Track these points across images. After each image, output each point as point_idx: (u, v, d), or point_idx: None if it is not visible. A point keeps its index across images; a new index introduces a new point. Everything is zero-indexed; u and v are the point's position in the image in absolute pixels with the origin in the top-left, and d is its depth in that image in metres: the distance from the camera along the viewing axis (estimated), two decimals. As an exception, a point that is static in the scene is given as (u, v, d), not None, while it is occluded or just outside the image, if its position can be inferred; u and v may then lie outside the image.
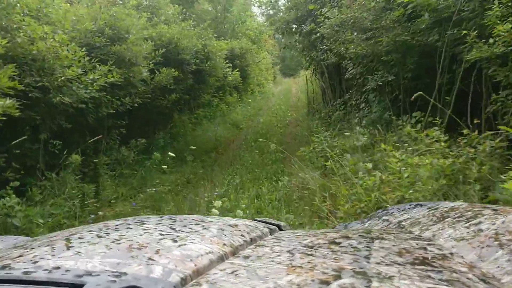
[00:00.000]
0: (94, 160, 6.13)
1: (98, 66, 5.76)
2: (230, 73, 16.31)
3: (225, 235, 1.04)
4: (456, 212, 1.29)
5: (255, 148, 10.63)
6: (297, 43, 11.89)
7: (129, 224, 1.11)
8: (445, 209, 1.38)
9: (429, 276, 0.76)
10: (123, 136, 7.21)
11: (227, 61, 16.48)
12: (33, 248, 0.89)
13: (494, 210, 1.21)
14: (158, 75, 7.75)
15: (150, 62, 7.65)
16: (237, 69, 17.13)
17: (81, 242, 0.93)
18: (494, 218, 1.12)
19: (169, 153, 7.41)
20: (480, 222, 1.12)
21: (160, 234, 0.99)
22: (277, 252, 0.94)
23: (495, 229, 1.04)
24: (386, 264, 0.82)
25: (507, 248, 0.91)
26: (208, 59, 10.48)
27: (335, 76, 10.21)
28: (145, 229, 1.05)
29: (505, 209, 1.19)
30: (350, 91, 9.08)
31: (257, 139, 11.64)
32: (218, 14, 21.07)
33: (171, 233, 1.01)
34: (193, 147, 8.76)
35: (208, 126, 12.73)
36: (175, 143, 10.03)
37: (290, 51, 48.53)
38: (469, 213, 1.24)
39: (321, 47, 8.59)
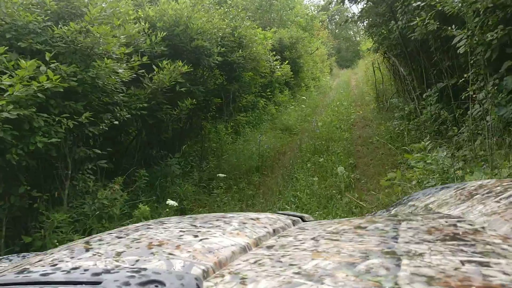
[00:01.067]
0: (41, 223, 3.58)
1: (23, 62, 3.19)
2: (278, 67, 13.46)
3: (247, 228, 1.02)
4: (485, 188, 1.23)
5: (313, 165, 7.70)
6: (364, 16, 8.80)
7: (149, 225, 1.09)
8: (472, 187, 1.32)
9: (462, 250, 0.72)
10: (108, 171, 4.63)
11: (275, 52, 13.66)
12: (52, 253, 0.89)
13: None
14: (159, 72, 5.09)
15: (144, 52, 5.02)
16: (287, 62, 14.24)
17: (100, 244, 0.90)
18: None
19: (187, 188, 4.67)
20: (510, 196, 1.06)
21: (181, 231, 0.97)
22: (301, 240, 0.90)
23: None
24: (416, 243, 0.78)
25: None
26: (241, 46, 7.72)
27: (421, 57, 7.04)
28: (165, 228, 1.02)
29: None
30: (454, 77, 5.89)
31: (315, 150, 8.71)
32: (262, 2, 18.26)
33: (192, 229, 0.99)
34: (222, 175, 6.05)
35: (251, 135, 9.97)
36: (204, 165, 7.34)
37: (345, 42, 44.87)
38: (498, 188, 1.18)
39: (413, 4, 5.48)
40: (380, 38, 8.66)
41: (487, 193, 1.18)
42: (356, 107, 14.57)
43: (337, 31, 44.74)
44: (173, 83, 5.24)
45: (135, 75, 5.00)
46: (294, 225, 1.16)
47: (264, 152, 8.49)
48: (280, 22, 17.98)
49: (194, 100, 5.86)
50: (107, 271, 0.67)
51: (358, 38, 44.36)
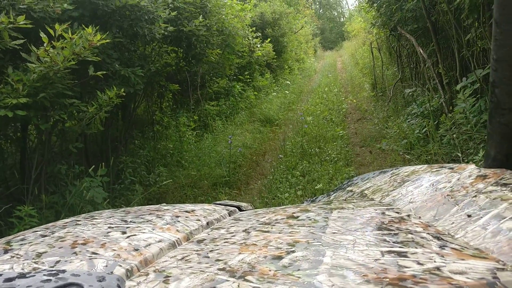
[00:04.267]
0: None
1: None
2: (258, 45, 11.21)
3: (179, 222, 0.99)
4: (416, 175, 1.27)
5: (301, 176, 5.63)
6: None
7: (78, 220, 1.02)
8: (406, 173, 1.34)
9: (385, 240, 0.73)
10: None
11: (254, 29, 11.41)
12: None
13: (450, 168, 1.17)
14: (51, 45, 2.86)
15: (29, 11, 2.79)
16: (269, 40, 12.01)
17: (22, 244, 0.82)
18: (451, 176, 1.09)
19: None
20: (437, 182, 1.09)
21: (110, 227, 0.92)
22: (232, 233, 0.89)
23: (451, 187, 1.01)
24: (342, 233, 0.80)
25: (462, 204, 0.89)
26: (203, 13, 5.44)
27: (454, 34, 4.94)
28: (94, 224, 0.96)
29: (460, 166, 1.15)
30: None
31: (303, 153, 6.62)
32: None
33: (121, 225, 0.94)
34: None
35: (223, 130, 7.79)
36: (151, 178, 5.15)
37: (329, 23, 42.78)
38: (428, 174, 1.21)
39: None
40: (388, 10, 6.53)
41: (417, 179, 1.20)
42: (346, 93, 12.50)
43: (321, 11, 42.34)
44: (73, 63, 3.00)
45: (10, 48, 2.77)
46: (230, 216, 1.13)
47: (237, 157, 6.34)
48: (262, -5, 15.61)
49: (123, 89, 3.63)
50: (23, 276, 0.62)
51: (343, 19, 42.24)
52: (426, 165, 1.34)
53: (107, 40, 3.22)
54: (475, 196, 0.90)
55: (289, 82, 12.95)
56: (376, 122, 7.70)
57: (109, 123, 4.94)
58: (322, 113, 9.78)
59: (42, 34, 2.96)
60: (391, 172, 1.46)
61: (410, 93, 6.39)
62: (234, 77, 9.51)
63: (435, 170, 1.22)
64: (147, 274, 0.67)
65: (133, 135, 5.45)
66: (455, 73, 5.14)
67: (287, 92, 11.92)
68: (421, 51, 5.62)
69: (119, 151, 4.83)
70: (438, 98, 5.30)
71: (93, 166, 3.82)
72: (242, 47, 10.16)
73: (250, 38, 10.85)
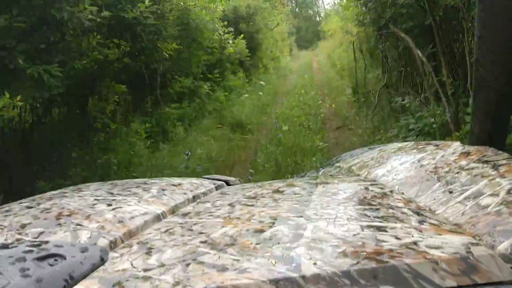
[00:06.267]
0: None
1: None
2: (230, 41, 10.06)
3: (165, 195, 0.97)
4: (403, 151, 1.27)
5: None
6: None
7: (65, 192, 1.00)
8: (392, 150, 1.35)
9: (366, 215, 0.74)
10: None
11: (227, 23, 10.26)
12: None
13: (436, 145, 1.18)
14: None
15: None
16: (242, 36, 10.86)
17: (6, 215, 0.81)
18: (435, 153, 1.09)
19: None
20: (422, 158, 1.09)
21: (96, 199, 0.91)
22: (217, 207, 0.89)
23: (435, 163, 1.01)
24: (324, 208, 0.79)
25: (444, 180, 0.90)
26: None
27: (463, 33, 3.96)
28: (80, 196, 0.95)
29: (445, 143, 1.17)
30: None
31: (278, 168, 5.56)
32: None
33: (107, 198, 0.93)
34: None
35: (186, 138, 6.62)
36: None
37: (305, 22, 42.08)
38: (414, 151, 1.21)
39: None
40: (379, 5, 5.52)
41: (403, 155, 1.20)
42: (323, 96, 11.51)
43: (297, 9, 41.44)
44: None
45: None
46: (217, 190, 1.12)
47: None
48: (236, -12, 14.40)
49: (19, 97, 2.43)
50: (5, 246, 0.62)
51: (319, 19, 41.45)
52: (413, 142, 1.33)
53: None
54: (458, 172, 0.90)
55: (263, 83, 11.84)
56: (360, 133, 6.70)
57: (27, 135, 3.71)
58: (298, 118, 8.73)
59: None
60: (379, 148, 1.46)
61: (403, 103, 5.39)
62: (202, 75, 8.32)
63: (421, 147, 1.22)
64: (131, 246, 0.67)
65: (61, 150, 4.22)
66: (463, 82, 4.16)
67: (261, 93, 10.82)
68: (419, 53, 4.64)
69: (35, 174, 3.61)
70: (442, 112, 4.31)
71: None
72: (212, 42, 8.99)
73: (221, 33, 9.68)
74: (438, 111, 4.23)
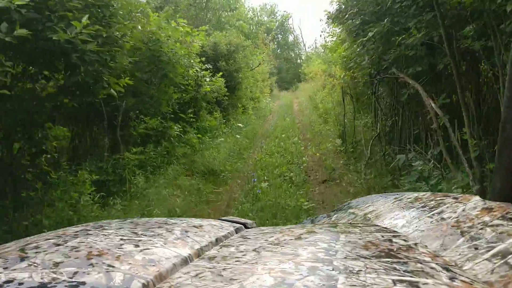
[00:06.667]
0: None
1: None
2: (207, 79, 9.19)
3: (189, 237, 0.97)
4: (420, 202, 1.26)
5: None
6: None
7: (88, 230, 1.00)
8: (409, 199, 1.34)
9: (395, 268, 0.73)
10: None
11: (204, 59, 9.47)
12: None
13: (455, 198, 1.18)
14: None
15: None
16: (221, 74, 10.04)
17: (37, 252, 0.80)
18: (455, 207, 1.09)
19: None
20: (442, 211, 1.09)
21: (121, 239, 0.90)
22: (242, 252, 0.88)
23: (457, 217, 1.01)
24: (353, 259, 0.79)
25: (468, 235, 0.89)
26: (99, 15, 3.10)
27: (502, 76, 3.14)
28: (105, 235, 0.95)
29: (465, 197, 1.16)
30: None
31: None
32: (197, -1, 13.95)
33: (133, 238, 0.92)
34: None
35: (147, 190, 5.53)
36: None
37: (286, 63, 42.26)
38: (432, 202, 1.21)
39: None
40: (380, 45, 4.73)
41: (422, 206, 1.20)
42: (306, 141, 10.67)
43: (279, 50, 41.64)
44: None
45: None
46: (237, 233, 1.12)
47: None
48: (217, 24, 13.76)
49: None
50: (44, 286, 0.64)
51: (300, 61, 41.59)
52: (429, 193, 1.32)
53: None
54: (482, 228, 0.90)
55: (241, 125, 10.93)
56: (351, 191, 5.75)
57: None
58: (279, 167, 7.77)
59: None
60: (394, 197, 1.44)
61: (409, 163, 4.48)
62: (172, 115, 7.33)
63: (439, 198, 1.21)
64: None
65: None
66: (490, 142, 3.29)
67: (239, 136, 9.87)
68: (433, 104, 3.79)
69: None
70: (463, 178, 3.39)
71: None
72: (187, 79, 8.10)
73: (198, 69, 8.82)
74: (461, 179, 3.32)
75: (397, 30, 4.47)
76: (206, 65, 9.75)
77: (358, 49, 5.30)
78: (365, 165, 6.14)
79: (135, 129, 6.06)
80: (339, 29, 10.25)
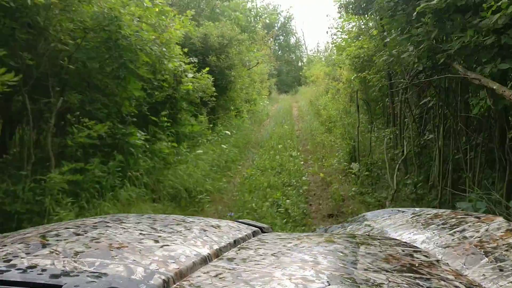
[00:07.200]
0: None
1: None
2: (190, 75, 7.44)
3: (208, 236, 0.97)
4: (440, 219, 1.24)
5: None
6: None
7: (107, 222, 1.01)
8: (428, 215, 1.31)
9: (418, 284, 0.71)
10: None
11: (186, 49, 7.74)
12: (5, 246, 0.79)
13: (477, 218, 1.15)
14: None
15: None
16: (208, 69, 8.30)
17: (58, 240, 0.82)
18: (478, 226, 1.07)
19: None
20: (464, 230, 1.07)
21: (141, 233, 0.92)
22: (261, 255, 0.88)
23: (479, 237, 0.99)
24: (374, 271, 0.77)
25: (492, 256, 0.87)
26: None
27: None
28: (125, 228, 0.96)
29: (488, 217, 1.14)
30: None
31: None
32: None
33: (152, 233, 0.94)
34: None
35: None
36: None
37: (286, 66, 40.68)
38: (453, 220, 1.19)
39: None
40: (436, 30, 3.02)
41: (442, 224, 1.16)
42: (306, 154, 8.95)
43: (280, 52, 39.97)
44: None
45: None
46: (254, 236, 1.11)
47: None
48: (211, 15, 12.02)
49: None
50: (66, 274, 0.63)
51: (301, 64, 39.87)
52: (449, 211, 1.27)
53: None
54: (507, 250, 0.86)
55: (228, 132, 9.17)
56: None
57: None
58: (272, 189, 6.05)
59: None
60: (412, 212, 1.40)
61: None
62: (135, 119, 5.58)
63: (460, 217, 1.17)
64: None
65: None
66: None
67: (225, 146, 8.12)
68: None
69: None
70: None
71: None
72: (163, 73, 6.37)
73: (180, 63, 7.09)
74: None
75: (464, 3, 2.76)
76: (191, 58, 8.02)
77: (393, 36, 3.60)
78: (391, 200, 4.41)
79: (73, 137, 4.31)
80: (353, 22, 8.57)
